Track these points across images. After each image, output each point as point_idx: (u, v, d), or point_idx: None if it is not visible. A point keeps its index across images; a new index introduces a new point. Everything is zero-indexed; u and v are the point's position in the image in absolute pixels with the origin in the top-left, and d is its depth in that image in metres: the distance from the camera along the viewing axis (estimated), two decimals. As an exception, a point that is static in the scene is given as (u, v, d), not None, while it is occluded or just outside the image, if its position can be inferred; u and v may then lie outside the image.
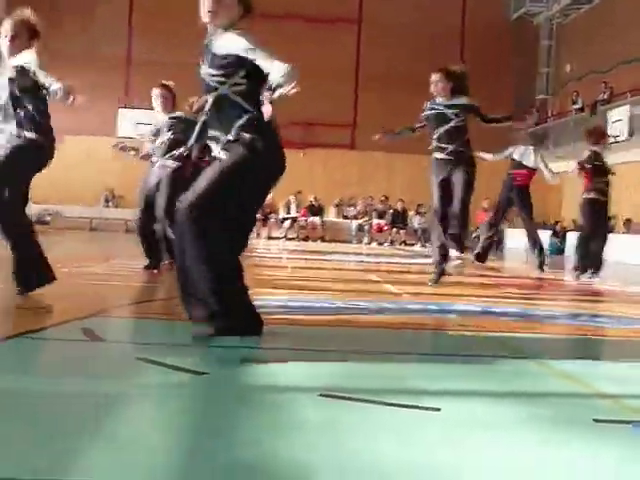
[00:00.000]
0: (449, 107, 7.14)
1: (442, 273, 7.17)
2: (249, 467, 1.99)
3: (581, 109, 23.64)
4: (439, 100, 7.22)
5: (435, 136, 7.21)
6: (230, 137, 3.64)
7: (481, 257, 10.23)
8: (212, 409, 2.62)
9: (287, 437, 2.27)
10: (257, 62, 3.46)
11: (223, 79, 3.61)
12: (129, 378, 2.91)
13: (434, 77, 7.26)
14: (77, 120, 23.51)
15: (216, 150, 3.71)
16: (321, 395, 2.75)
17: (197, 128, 3.93)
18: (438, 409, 2.62)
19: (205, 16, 3.58)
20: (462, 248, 7.16)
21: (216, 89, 3.64)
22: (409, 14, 25.75)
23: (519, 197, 10.31)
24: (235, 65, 3.58)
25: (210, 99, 3.68)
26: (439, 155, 7.21)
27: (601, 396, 3.03)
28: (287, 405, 2.68)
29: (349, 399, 2.71)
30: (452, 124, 7.11)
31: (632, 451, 2.28)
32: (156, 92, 7.76)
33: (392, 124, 26.10)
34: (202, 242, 3.54)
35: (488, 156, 9.83)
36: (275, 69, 3.38)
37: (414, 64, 24.93)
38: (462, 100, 7.16)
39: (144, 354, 3.21)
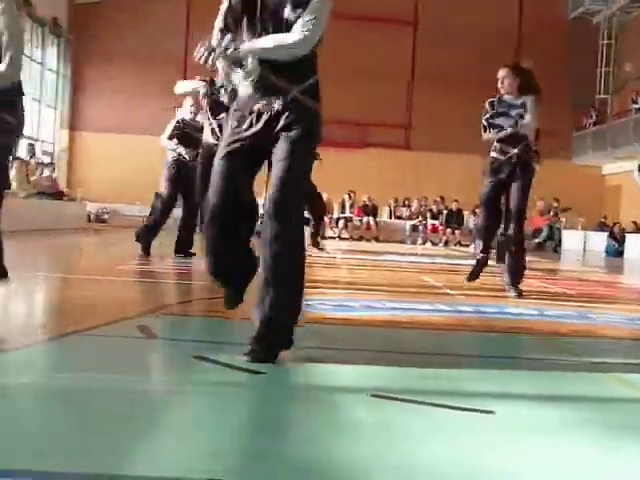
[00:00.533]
0: (513, 107, 6.80)
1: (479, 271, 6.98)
2: (305, 466, 2.01)
3: (641, 109, 23.19)
4: (506, 98, 6.86)
5: (497, 137, 6.82)
6: (296, 94, 3.23)
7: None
8: (268, 408, 2.66)
9: (341, 437, 2.29)
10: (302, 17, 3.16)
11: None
12: (186, 376, 2.96)
13: (501, 73, 6.91)
14: (133, 119, 23.94)
15: (277, 104, 3.23)
16: (373, 395, 2.76)
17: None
18: (492, 412, 2.62)
19: None
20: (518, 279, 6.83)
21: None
22: (464, 15, 25.53)
23: None
24: None
25: None
26: (499, 156, 6.81)
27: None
28: (340, 405, 2.70)
29: (401, 400, 2.72)
30: (515, 126, 6.72)
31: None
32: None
33: (446, 125, 25.96)
34: (301, 245, 3.33)
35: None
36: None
37: (469, 65, 24.80)
38: (526, 99, 6.79)
39: (200, 352, 3.26)
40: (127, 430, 2.24)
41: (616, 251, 20.86)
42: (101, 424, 2.29)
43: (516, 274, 6.77)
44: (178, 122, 9.47)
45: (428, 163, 25.60)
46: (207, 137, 8.37)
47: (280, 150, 3.22)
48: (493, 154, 6.80)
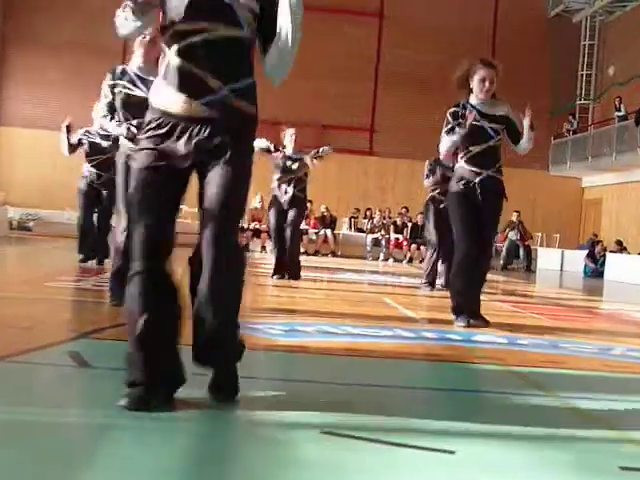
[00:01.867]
0: (489, 119, 6.39)
1: None
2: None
3: (624, 117, 23.62)
4: (480, 107, 6.40)
5: (468, 154, 6.45)
6: (229, 96, 3.07)
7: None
8: (211, 445, 2.71)
9: (290, 477, 2.36)
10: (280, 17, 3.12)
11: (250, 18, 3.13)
12: (119, 410, 2.95)
13: (489, 75, 6.34)
14: (66, 114, 23.71)
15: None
16: (325, 432, 2.83)
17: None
18: (452, 452, 2.70)
19: None
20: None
21: (236, 24, 3.09)
22: (434, 11, 25.78)
23: None
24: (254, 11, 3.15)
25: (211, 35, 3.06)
26: (470, 177, 6.42)
27: (629, 441, 3.08)
28: (289, 443, 2.75)
29: (355, 437, 2.79)
30: (491, 143, 6.40)
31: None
32: None
33: (414, 130, 26.04)
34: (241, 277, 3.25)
35: None
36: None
37: (440, 65, 25.02)
38: (504, 109, 6.46)
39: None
40: (53, 470, 2.27)
41: (595, 272, 21.17)
42: (24, 463, 2.31)
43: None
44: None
45: (393, 170, 25.77)
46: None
47: (216, 173, 3.07)
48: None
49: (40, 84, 24.83)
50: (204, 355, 3.16)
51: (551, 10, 27.20)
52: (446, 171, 9.91)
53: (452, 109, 6.50)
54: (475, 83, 6.37)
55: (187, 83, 3.05)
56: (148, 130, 3.09)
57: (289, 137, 10.63)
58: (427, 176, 10.91)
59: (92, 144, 10.36)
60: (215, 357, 3.18)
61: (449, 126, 6.47)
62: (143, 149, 3.09)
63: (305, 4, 3.20)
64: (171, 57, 3.09)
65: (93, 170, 10.50)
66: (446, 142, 6.53)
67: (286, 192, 10.47)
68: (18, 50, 25.40)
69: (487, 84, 6.31)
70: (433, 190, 10.74)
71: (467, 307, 6.44)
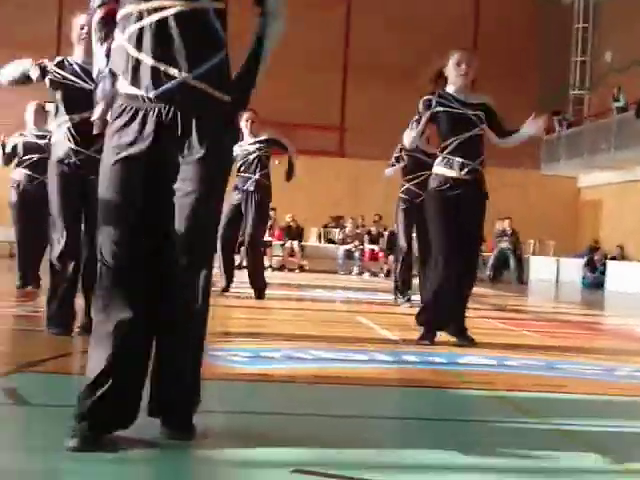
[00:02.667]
0: (472, 107, 6.57)
1: None
2: None
3: (624, 108, 23.80)
4: (461, 96, 6.57)
5: (451, 147, 6.57)
6: (197, 82, 3.06)
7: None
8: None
9: None
10: None
11: None
12: (63, 453, 2.95)
13: (464, 57, 6.55)
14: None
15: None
16: (295, 471, 2.85)
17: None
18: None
19: None
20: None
21: None
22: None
23: None
24: None
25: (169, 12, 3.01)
26: (452, 173, 6.56)
27: (634, 473, 3.13)
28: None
29: (328, 476, 2.82)
30: (476, 131, 6.57)
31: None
32: None
33: (388, 128, 26.10)
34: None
35: None
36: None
37: (418, 54, 25.18)
38: (484, 98, 6.67)
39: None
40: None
41: (594, 282, 21.36)
42: None
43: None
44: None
45: (367, 173, 25.81)
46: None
47: (190, 175, 3.06)
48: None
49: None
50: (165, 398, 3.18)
51: (541, -8, 27.46)
52: (421, 156, 9.93)
53: (425, 97, 6.63)
54: (451, 69, 6.55)
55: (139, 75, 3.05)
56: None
57: (244, 123, 10.53)
58: (392, 164, 11.10)
59: (26, 144, 10.12)
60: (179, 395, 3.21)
61: (416, 117, 6.71)
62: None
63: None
64: (121, 44, 3.09)
65: (25, 172, 10.16)
66: (407, 138, 6.66)
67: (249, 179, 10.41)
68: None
69: (464, 66, 6.48)
70: (408, 181, 10.66)
71: (436, 324, 6.59)
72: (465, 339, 6.57)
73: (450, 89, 6.59)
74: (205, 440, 3.26)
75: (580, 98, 27.85)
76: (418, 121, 6.71)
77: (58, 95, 6.17)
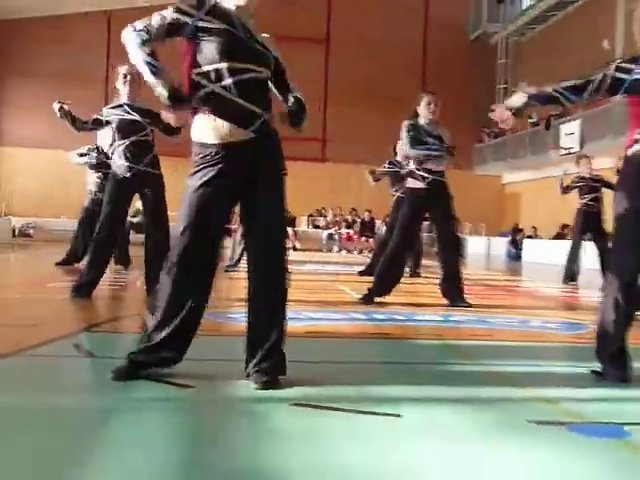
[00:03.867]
0: (437, 138, 6.78)
1: None
2: (232, 474, 2.16)
3: (536, 124, 23.94)
4: (429, 128, 6.79)
5: (419, 164, 6.82)
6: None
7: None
8: (197, 420, 2.77)
9: (264, 445, 2.42)
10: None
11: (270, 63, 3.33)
12: (120, 394, 3.02)
13: (433, 99, 6.79)
14: (55, 134, 23.45)
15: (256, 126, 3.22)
16: (294, 404, 2.90)
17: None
18: (399, 415, 2.80)
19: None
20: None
21: (267, 65, 3.29)
22: (375, 33, 25.90)
23: None
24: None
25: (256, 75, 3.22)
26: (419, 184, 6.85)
27: (539, 399, 3.19)
28: (263, 415, 2.82)
29: (319, 407, 2.87)
30: (435, 154, 6.79)
31: (559, 450, 2.47)
32: None
33: (360, 138, 25.82)
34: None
35: None
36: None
37: (380, 81, 25.19)
38: (442, 131, 6.85)
39: None
40: (69, 449, 2.32)
41: (515, 256, 21.51)
42: (41, 444, 2.35)
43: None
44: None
45: (343, 175, 25.84)
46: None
47: (268, 187, 3.25)
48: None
49: (34, 108, 24.49)
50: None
51: (472, 33, 27.45)
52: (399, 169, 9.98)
53: (408, 122, 6.85)
54: (423, 108, 6.80)
55: (236, 114, 3.14)
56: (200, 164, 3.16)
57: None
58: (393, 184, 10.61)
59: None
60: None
61: (411, 134, 6.78)
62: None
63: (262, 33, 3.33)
64: (217, 91, 3.14)
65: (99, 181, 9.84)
66: (415, 152, 6.76)
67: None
68: (16, 79, 25.10)
69: (432, 106, 6.77)
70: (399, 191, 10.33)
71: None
72: (463, 302, 6.78)
73: (421, 121, 6.82)
74: (225, 383, 3.29)
75: (503, 116, 27.83)
76: (412, 140, 6.78)
77: (114, 125, 6.22)
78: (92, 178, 10.18)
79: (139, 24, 3.13)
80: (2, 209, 22.52)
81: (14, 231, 20.96)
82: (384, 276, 6.84)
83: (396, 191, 10.32)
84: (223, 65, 3.11)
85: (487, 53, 27.53)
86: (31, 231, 21.72)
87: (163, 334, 3.15)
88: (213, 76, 3.13)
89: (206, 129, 3.16)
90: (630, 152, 3.52)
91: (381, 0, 26.06)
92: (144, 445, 2.37)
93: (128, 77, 6.15)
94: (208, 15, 3.11)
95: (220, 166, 3.13)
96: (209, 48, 3.11)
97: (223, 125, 3.14)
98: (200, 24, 3.10)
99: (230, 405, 2.97)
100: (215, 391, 3.18)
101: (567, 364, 4.24)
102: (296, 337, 4.74)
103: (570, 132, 20.93)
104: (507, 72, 27.75)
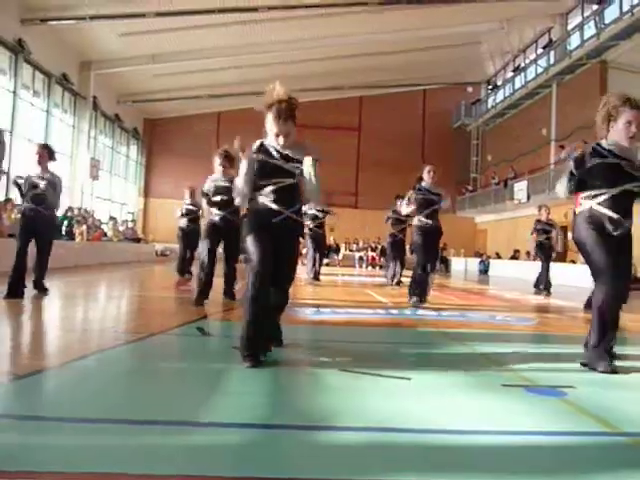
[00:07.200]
0: (435, 194, 6.50)
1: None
2: (302, 411, 2.16)
3: (497, 183, 23.66)
4: (430, 188, 6.51)
5: (424, 213, 6.47)
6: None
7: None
8: (279, 378, 2.76)
9: (322, 394, 2.43)
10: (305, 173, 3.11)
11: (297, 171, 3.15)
12: (228, 361, 3.03)
13: (433, 169, 6.54)
14: (179, 189, 23.82)
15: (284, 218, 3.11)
16: (341, 370, 2.90)
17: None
18: (410, 378, 2.77)
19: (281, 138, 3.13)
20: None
21: (293, 175, 3.14)
22: (392, 124, 26.04)
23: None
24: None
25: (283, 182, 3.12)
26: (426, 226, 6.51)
27: (508, 370, 3.12)
28: (321, 376, 2.81)
29: (357, 372, 2.86)
30: (435, 207, 6.48)
31: (519, 403, 2.42)
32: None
33: (382, 192, 25.31)
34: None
35: None
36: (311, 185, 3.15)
37: (395, 156, 25.21)
38: (439, 190, 6.58)
39: (236, 344, 3.35)
40: (196, 390, 2.36)
41: (484, 271, 21.12)
42: (189, 391, 2.39)
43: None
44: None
45: (369, 217, 25.76)
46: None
47: (289, 247, 3.19)
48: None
49: (171, 173, 25.15)
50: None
51: (454, 124, 27.31)
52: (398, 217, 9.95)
53: (413, 191, 6.62)
54: (425, 174, 6.59)
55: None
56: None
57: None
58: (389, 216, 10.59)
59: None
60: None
61: (407, 198, 6.72)
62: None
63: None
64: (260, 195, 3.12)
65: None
66: (406, 210, 6.69)
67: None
68: (159, 154, 25.82)
69: (432, 173, 6.56)
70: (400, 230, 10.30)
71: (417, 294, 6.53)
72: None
73: (424, 184, 6.58)
74: (294, 356, 3.29)
75: (476, 178, 27.59)
76: (410, 199, 6.65)
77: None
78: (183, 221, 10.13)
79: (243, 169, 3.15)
80: (150, 238, 22.97)
81: (156, 252, 21.35)
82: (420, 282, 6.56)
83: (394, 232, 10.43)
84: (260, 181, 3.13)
85: (465, 137, 27.28)
86: (167, 252, 22.08)
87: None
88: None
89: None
90: (577, 210, 3.43)
91: (396, 101, 26.10)
92: (247, 392, 2.39)
93: (220, 163, 5.73)
94: (257, 153, 3.15)
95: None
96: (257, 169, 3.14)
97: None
98: (254, 156, 3.14)
99: (299, 369, 2.96)
100: (289, 359, 3.16)
101: (524, 346, 4.13)
102: (340, 325, 4.75)
103: (520, 188, 20.59)
104: (478, 150, 27.53)
